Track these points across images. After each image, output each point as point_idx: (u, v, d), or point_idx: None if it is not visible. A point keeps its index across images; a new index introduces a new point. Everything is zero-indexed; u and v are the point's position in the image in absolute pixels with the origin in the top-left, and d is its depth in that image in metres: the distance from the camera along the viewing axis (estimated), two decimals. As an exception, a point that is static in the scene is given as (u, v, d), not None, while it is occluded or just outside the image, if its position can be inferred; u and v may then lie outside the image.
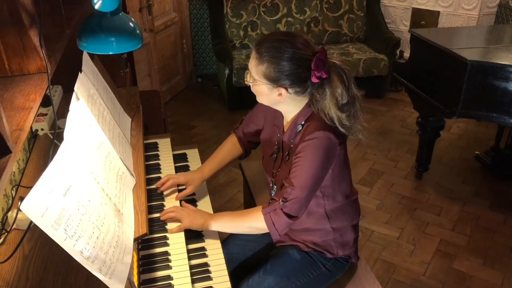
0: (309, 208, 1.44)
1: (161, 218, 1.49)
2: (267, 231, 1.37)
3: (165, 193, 1.63)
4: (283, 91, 1.32)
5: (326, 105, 1.30)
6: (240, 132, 1.73)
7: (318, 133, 1.31)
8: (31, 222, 1.09)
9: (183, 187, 1.66)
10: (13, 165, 1.24)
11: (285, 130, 1.46)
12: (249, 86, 1.40)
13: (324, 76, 1.28)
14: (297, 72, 1.28)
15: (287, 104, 1.38)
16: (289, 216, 1.33)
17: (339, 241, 1.52)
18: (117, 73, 2.69)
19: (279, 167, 1.49)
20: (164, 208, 1.56)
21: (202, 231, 1.51)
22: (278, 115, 1.51)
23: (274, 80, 1.30)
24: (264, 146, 1.61)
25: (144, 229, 1.30)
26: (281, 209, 1.33)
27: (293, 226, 1.52)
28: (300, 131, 1.39)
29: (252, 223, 1.40)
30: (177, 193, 1.64)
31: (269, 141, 1.56)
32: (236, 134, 1.75)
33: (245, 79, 1.40)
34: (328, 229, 1.50)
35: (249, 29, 4.48)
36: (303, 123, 1.39)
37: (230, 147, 1.73)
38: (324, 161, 1.33)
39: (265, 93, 1.35)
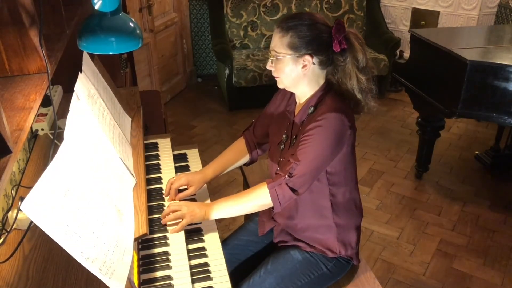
0: (314, 202, 1.47)
1: (162, 222, 1.48)
2: (271, 205, 1.40)
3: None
4: (308, 60, 1.36)
5: (348, 68, 1.38)
6: (250, 134, 1.73)
7: (330, 114, 1.34)
8: (31, 222, 1.10)
9: (185, 187, 1.65)
10: (13, 165, 1.24)
11: (296, 113, 1.49)
12: (271, 72, 1.44)
13: (345, 46, 1.35)
14: (320, 37, 1.35)
15: (309, 80, 1.41)
16: (292, 190, 1.36)
17: (341, 239, 1.52)
18: (117, 73, 2.69)
19: (286, 153, 1.50)
20: (164, 208, 1.56)
21: (202, 231, 1.51)
22: (291, 102, 1.54)
23: (299, 48, 1.35)
24: (272, 136, 1.62)
25: (144, 229, 1.30)
26: (286, 183, 1.36)
27: (296, 224, 1.53)
28: (311, 113, 1.42)
29: (257, 200, 1.42)
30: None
31: (278, 130, 1.57)
32: (245, 137, 1.75)
33: (267, 65, 1.45)
34: (331, 224, 1.50)
35: (249, 29, 4.48)
36: (315, 104, 1.42)
37: (236, 151, 1.73)
38: (333, 142, 1.35)
39: (290, 66, 1.38)
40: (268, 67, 1.44)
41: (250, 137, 1.73)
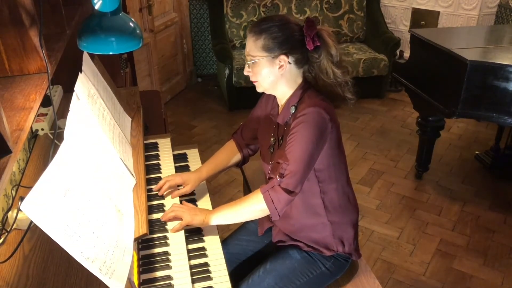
0: (306, 201, 1.47)
1: (162, 219, 1.49)
2: (268, 212, 1.39)
3: (165, 193, 1.64)
4: (284, 59, 1.38)
5: (324, 64, 1.41)
6: (239, 136, 1.75)
7: (309, 109, 1.36)
8: (31, 222, 1.10)
9: (182, 187, 1.66)
10: (13, 165, 1.23)
11: (279, 113, 1.50)
12: (249, 77, 1.44)
13: (318, 43, 1.38)
14: (293, 36, 1.38)
15: (286, 80, 1.43)
16: (287, 191, 1.36)
17: (338, 236, 1.53)
18: (117, 73, 2.69)
19: (275, 156, 1.50)
20: (164, 208, 1.56)
21: (202, 231, 1.51)
22: (274, 105, 1.56)
23: (273, 49, 1.37)
24: (261, 140, 1.63)
25: (144, 229, 1.31)
26: (279, 185, 1.36)
27: (292, 225, 1.53)
28: (294, 113, 1.43)
29: (252, 206, 1.42)
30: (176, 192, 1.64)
31: (266, 134, 1.59)
32: (234, 139, 1.77)
33: (244, 71, 1.46)
34: (326, 222, 1.51)
35: (249, 29, 4.47)
36: (296, 104, 1.44)
37: (228, 152, 1.76)
38: (316, 135, 1.36)
39: (267, 69, 1.40)
40: (245, 73, 1.45)
41: (239, 139, 1.75)
